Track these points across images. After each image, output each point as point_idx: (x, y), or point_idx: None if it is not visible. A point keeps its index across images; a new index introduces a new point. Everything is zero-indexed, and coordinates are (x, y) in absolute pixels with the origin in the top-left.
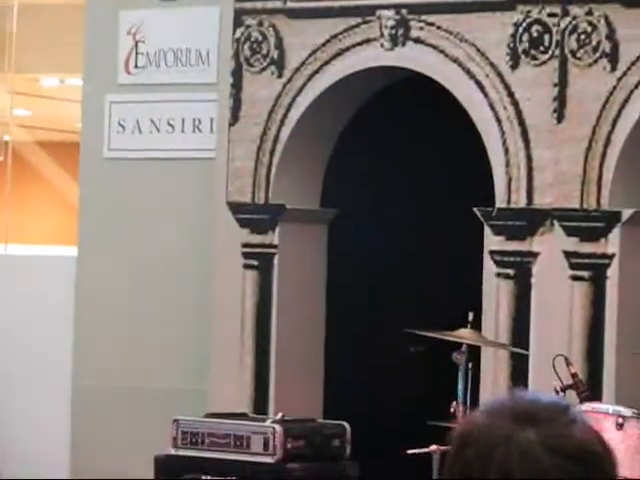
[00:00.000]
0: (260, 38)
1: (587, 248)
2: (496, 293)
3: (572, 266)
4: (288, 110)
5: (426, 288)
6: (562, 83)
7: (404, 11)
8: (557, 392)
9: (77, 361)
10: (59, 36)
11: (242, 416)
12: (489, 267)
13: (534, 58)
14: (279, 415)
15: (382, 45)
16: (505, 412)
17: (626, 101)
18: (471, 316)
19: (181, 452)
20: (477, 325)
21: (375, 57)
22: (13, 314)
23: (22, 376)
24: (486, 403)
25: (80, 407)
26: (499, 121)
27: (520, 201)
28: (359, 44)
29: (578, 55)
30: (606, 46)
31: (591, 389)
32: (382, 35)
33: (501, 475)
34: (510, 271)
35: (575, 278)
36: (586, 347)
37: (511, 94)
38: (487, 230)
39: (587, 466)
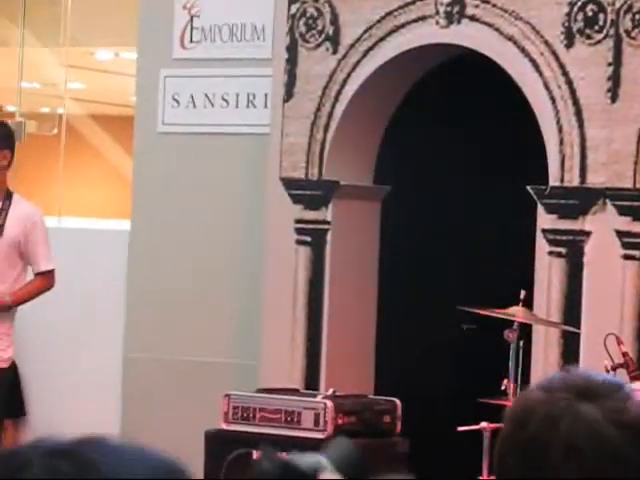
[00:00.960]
0: (315, 14)
1: (639, 228)
2: (548, 271)
3: (624, 245)
4: (342, 86)
5: (478, 266)
6: (616, 62)
7: None
8: (608, 371)
9: (128, 335)
10: (114, 9)
11: (293, 391)
12: (541, 245)
13: (589, 37)
14: (330, 391)
15: (437, 22)
16: (563, 387)
17: None
18: (523, 294)
19: (232, 427)
20: (529, 303)
21: (430, 34)
22: (65, 287)
23: (74, 349)
24: (540, 381)
25: (131, 381)
26: (553, 100)
27: (573, 180)
28: (414, 21)
29: (632, 35)
30: None
31: None
32: (437, 12)
33: (567, 447)
34: (562, 250)
35: (627, 257)
36: (637, 326)
37: (565, 73)
38: (540, 208)
39: None
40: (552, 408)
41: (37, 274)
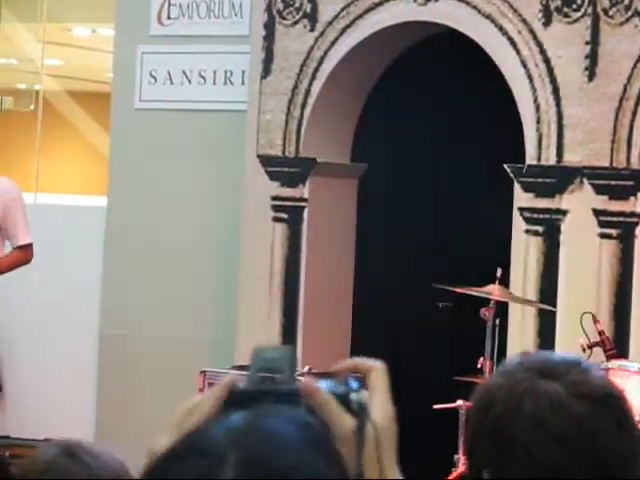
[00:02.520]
0: None
1: (616, 206)
2: (525, 250)
3: (601, 224)
4: (320, 64)
5: (455, 244)
6: (594, 41)
7: None
8: (584, 349)
9: (105, 312)
10: None
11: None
12: (518, 224)
13: (566, 16)
14: (306, 368)
15: (415, 0)
16: (522, 369)
17: None
18: (499, 272)
19: None
20: (505, 281)
21: (408, 12)
22: (42, 264)
23: (50, 325)
24: (500, 367)
25: (107, 357)
26: (530, 78)
27: (550, 158)
28: None
29: (610, 13)
30: (638, 5)
31: (618, 347)
32: None
33: (534, 421)
34: (539, 228)
35: (604, 236)
36: (613, 305)
37: (543, 51)
38: (517, 187)
39: (611, 407)
40: (514, 389)
41: (15, 248)
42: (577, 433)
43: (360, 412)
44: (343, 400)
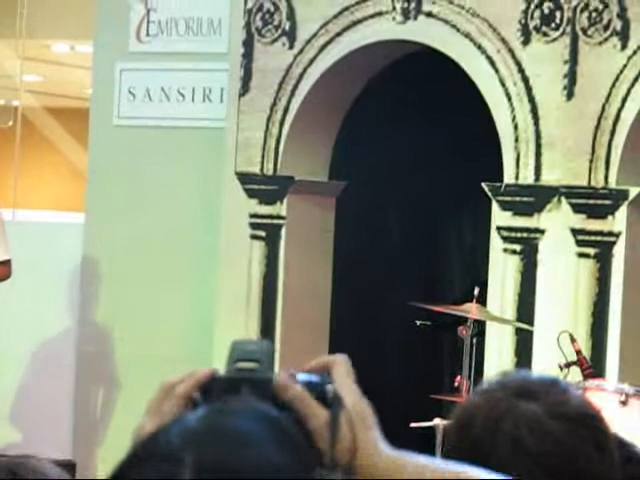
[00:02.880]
0: (272, 9)
1: (594, 225)
2: (502, 269)
3: (578, 243)
4: (299, 81)
5: (433, 262)
6: (572, 60)
7: None
8: (561, 368)
9: (82, 327)
10: (71, 2)
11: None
12: (496, 243)
13: (545, 35)
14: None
15: (394, 18)
16: (501, 390)
17: (636, 80)
18: (477, 291)
19: None
20: (483, 300)
21: (387, 30)
22: (19, 280)
23: (27, 341)
24: (479, 387)
25: (84, 374)
26: (509, 97)
27: (528, 177)
28: (371, 17)
29: (589, 33)
30: (617, 24)
31: (595, 366)
32: (394, 8)
33: (512, 442)
34: (517, 247)
35: (581, 255)
36: (591, 324)
37: (521, 70)
38: (495, 205)
39: (590, 428)
40: (492, 410)
41: None
42: (556, 453)
43: (335, 403)
44: (319, 392)
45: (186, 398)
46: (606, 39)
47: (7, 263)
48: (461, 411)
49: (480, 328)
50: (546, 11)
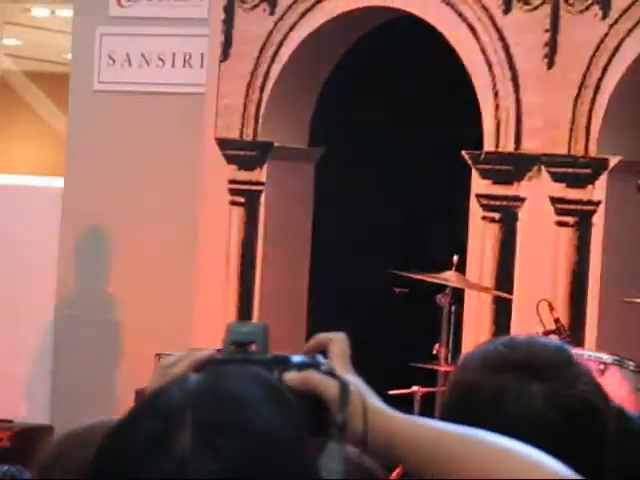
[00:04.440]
0: None
1: (573, 194)
2: (481, 237)
3: (558, 212)
4: (279, 48)
5: (412, 230)
6: (553, 29)
7: None
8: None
9: (61, 292)
10: None
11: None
12: (475, 210)
13: (526, 3)
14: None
15: None
16: (507, 364)
17: (617, 49)
18: (456, 259)
19: None
20: (462, 268)
21: None
22: None
23: (5, 305)
24: (482, 352)
25: (63, 338)
26: (489, 65)
27: (508, 145)
28: None
29: (570, 1)
30: None
31: (573, 334)
32: None
33: (507, 426)
34: (496, 215)
35: (561, 224)
36: (569, 293)
37: (502, 38)
38: (474, 173)
39: (591, 422)
40: (497, 391)
41: None
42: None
43: (342, 385)
44: (314, 370)
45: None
46: (587, 8)
47: None
48: (461, 376)
49: (459, 296)
50: None
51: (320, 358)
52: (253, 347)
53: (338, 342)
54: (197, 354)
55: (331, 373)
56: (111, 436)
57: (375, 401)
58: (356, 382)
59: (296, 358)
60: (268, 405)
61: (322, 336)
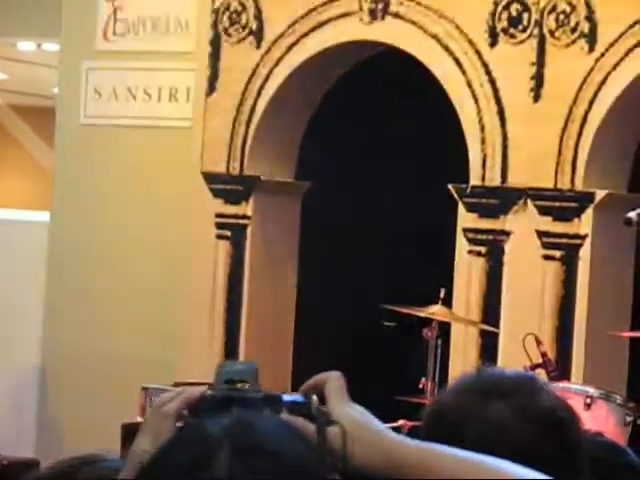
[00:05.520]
0: (239, 8)
1: (560, 228)
2: (468, 270)
3: (544, 245)
4: (265, 81)
5: (398, 263)
6: (540, 62)
7: None
8: (526, 371)
9: (47, 327)
10: (37, 1)
11: (210, 385)
12: (462, 244)
13: (512, 37)
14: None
15: (361, 19)
16: (472, 388)
17: (603, 82)
18: (442, 293)
19: None
20: (448, 302)
21: (354, 30)
22: None
23: None
24: (453, 381)
25: (49, 373)
26: (476, 99)
27: (494, 179)
28: (338, 17)
29: (556, 35)
30: (585, 27)
31: (560, 368)
32: (361, 9)
33: (477, 446)
34: (482, 249)
35: (547, 257)
36: (556, 327)
37: (488, 72)
38: (461, 207)
39: (561, 430)
40: (458, 412)
41: None
42: (521, 457)
43: (319, 416)
44: (304, 410)
45: (176, 416)
46: (573, 41)
47: None
48: (431, 409)
49: (445, 330)
50: (514, 13)
51: (313, 398)
52: (245, 385)
53: (334, 379)
54: (191, 391)
55: (317, 414)
56: (148, 466)
57: (377, 425)
58: (353, 412)
59: (287, 397)
60: (294, 439)
61: (319, 376)
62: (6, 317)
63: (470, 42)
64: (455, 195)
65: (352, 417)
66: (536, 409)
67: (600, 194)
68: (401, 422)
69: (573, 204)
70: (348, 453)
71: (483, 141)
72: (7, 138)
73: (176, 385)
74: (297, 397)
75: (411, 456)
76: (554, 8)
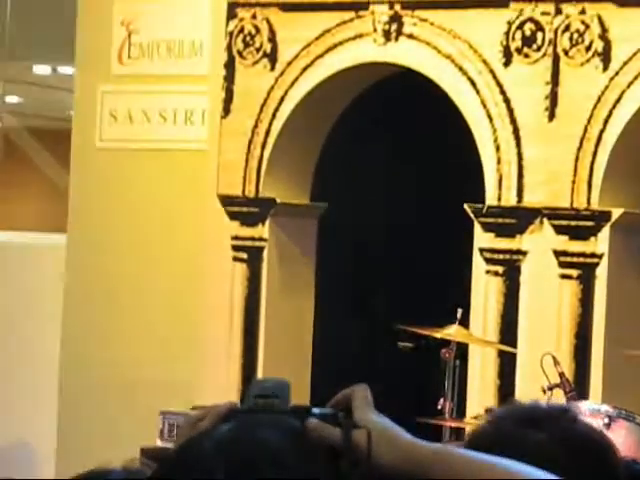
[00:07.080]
0: (253, 31)
1: (576, 247)
2: (485, 290)
3: (561, 265)
4: (280, 103)
5: (415, 284)
6: (554, 82)
7: (398, 7)
8: (544, 391)
9: (65, 350)
10: (53, 24)
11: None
12: (479, 264)
13: (527, 56)
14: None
15: (375, 40)
16: (510, 418)
17: (618, 101)
18: (460, 313)
19: (168, 444)
20: (465, 322)
21: (368, 52)
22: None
23: (7, 367)
24: (490, 414)
25: (68, 398)
26: (490, 118)
27: (510, 199)
28: (352, 39)
29: (570, 54)
30: (599, 45)
31: (578, 388)
32: (375, 30)
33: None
34: (499, 269)
35: (564, 277)
36: (574, 346)
37: (503, 92)
38: (477, 227)
39: (598, 457)
40: (499, 438)
41: None
42: None
43: (345, 425)
44: (332, 420)
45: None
46: (588, 60)
47: None
48: (469, 437)
49: (463, 350)
50: (527, 33)
51: (339, 410)
52: (275, 400)
53: (360, 391)
54: (220, 407)
55: (344, 421)
56: None
57: (399, 429)
58: (377, 418)
59: (316, 410)
60: (296, 452)
61: (346, 390)
62: (24, 339)
63: (484, 62)
64: (471, 215)
65: (376, 421)
66: (573, 437)
67: (616, 213)
68: None
69: (589, 223)
70: (372, 452)
71: (499, 161)
72: (23, 160)
73: (194, 409)
74: (325, 410)
75: (429, 455)
76: (568, 27)
